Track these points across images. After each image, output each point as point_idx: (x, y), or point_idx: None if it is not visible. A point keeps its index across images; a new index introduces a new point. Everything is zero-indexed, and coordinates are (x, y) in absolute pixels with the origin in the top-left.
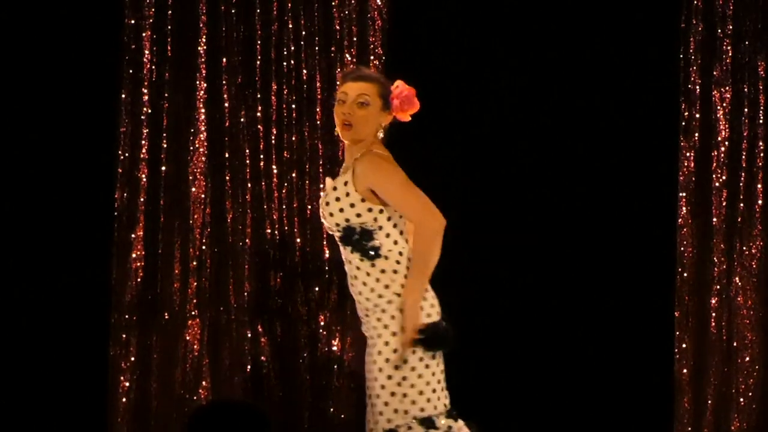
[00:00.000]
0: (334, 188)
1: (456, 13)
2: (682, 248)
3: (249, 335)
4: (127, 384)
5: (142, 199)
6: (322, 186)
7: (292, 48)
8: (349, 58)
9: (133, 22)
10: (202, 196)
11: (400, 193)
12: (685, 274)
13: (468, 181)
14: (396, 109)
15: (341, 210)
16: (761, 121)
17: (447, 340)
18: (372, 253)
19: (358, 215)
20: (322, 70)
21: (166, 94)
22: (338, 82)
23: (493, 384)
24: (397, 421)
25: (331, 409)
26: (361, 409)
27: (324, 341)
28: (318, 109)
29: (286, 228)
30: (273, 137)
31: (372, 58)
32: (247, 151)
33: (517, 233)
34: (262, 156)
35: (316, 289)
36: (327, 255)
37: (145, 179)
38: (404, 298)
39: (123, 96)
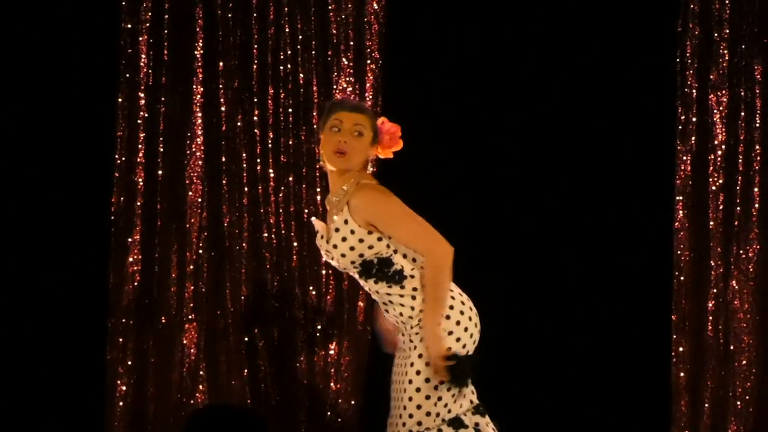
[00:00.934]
0: (337, 229)
1: (453, 17)
2: (678, 252)
3: (246, 339)
4: (124, 388)
5: (138, 203)
6: (316, 232)
7: (289, 52)
8: (346, 62)
9: (129, 26)
10: (199, 199)
11: (403, 228)
12: (682, 278)
13: (465, 184)
14: (384, 145)
15: (352, 248)
16: (758, 125)
17: (466, 376)
18: (397, 277)
19: (371, 247)
20: (319, 74)
21: (162, 98)
22: (327, 111)
23: (491, 386)
24: (428, 424)
25: (328, 413)
26: (357, 412)
27: (321, 345)
28: (314, 113)
29: (283, 232)
30: (270, 141)
31: (369, 62)
32: (244, 154)
33: (514, 237)
34: (258, 160)
35: (313, 292)
36: (324, 259)
37: (141, 183)
38: (423, 329)
39: (119, 100)
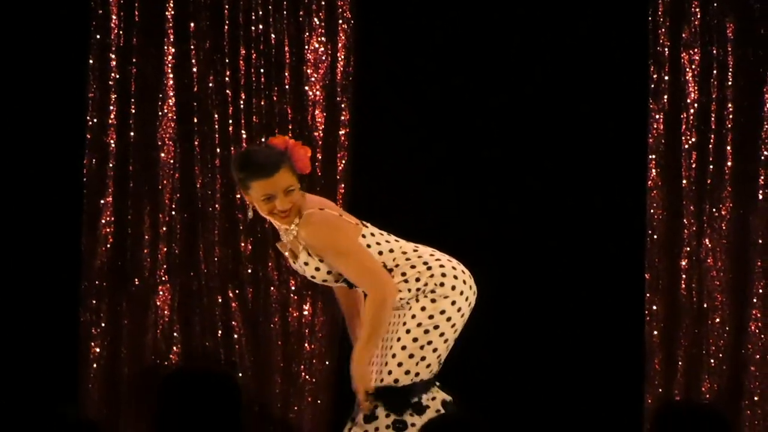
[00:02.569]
0: (306, 263)
1: None
2: (651, 211)
3: (220, 301)
4: (98, 350)
5: (110, 165)
6: (287, 255)
7: (260, 12)
8: (318, 22)
9: None
10: (171, 161)
11: (348, 265)
12: (655, 236)
13: (440, 149)
14: (301, 170)
15: (329, 272)
16: (730, 83)
17: (403, 404)
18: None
19: None
20: (291, 35)
21: (134, 60)
22: (245, 177)
23: (465, 351)
24: (405, 381)
25: (303, 374)
26: (332, 373)
27: (295, 306)
28: (287, 74)
29: None
30: (242, 102)
31: (340, 21)
32: (216, 116)
33: (487, 199)
34: (230, 121)
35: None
36: None
37: (113, 145)
38: (354, 362)
39: (91, 62)
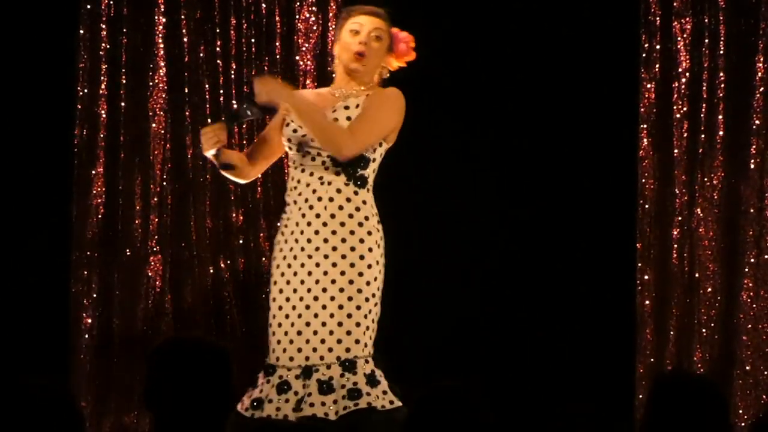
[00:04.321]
0: (346, 107)
1: None
2: (643, 180)
3: (211, 271)
4: (89, 321)
5: (101, 135)
6: (288, 124)
7: None
8: None
9: None
10: (162, 131)
11: (369, 117)
12: (647, 206)
13: (431, 119)
14: (399, 53)
15: (348, 118)
16: (721, 52)
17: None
18: (359, 182)
19: None
20: (281, 5)
21: (124, 30)
22: (345, 15)
23: (455, 323)
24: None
25: None
26: None
27: None
28: (277, 44)
29: None
30: (232, 72)
31: None
32: (207, 86)
33: (477, 170)
34: (221, 91)
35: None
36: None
37: (104, 115)
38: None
39: (81, 32)
